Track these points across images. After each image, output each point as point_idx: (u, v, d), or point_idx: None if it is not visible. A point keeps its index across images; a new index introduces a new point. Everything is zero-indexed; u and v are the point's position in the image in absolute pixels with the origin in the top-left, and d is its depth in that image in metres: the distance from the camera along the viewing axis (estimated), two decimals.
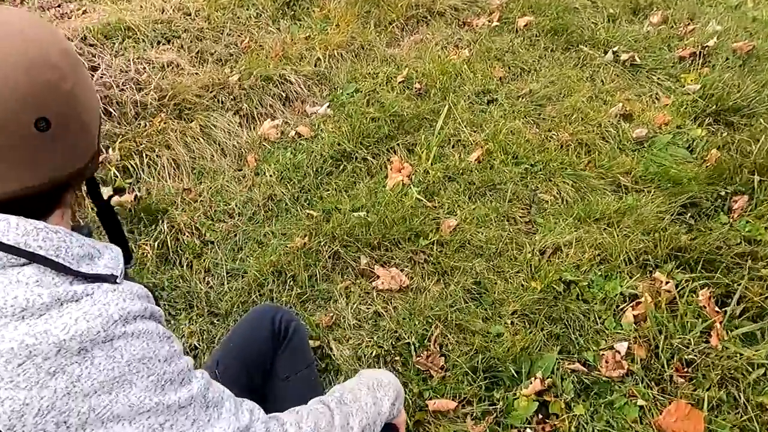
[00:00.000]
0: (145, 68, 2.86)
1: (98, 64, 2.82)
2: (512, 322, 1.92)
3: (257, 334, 1.46)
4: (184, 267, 2.18)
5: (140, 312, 0.72)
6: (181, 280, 2.13)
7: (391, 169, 2.54)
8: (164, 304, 2.05)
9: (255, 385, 1.43)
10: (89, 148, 0.74)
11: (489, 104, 2.92)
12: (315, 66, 3.09)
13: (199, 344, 1.94)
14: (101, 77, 2.75)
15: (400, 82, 3.01)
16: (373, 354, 1.87)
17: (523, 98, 2.92)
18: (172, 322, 2.02)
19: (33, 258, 0.66)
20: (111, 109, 2.69)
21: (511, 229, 2.24)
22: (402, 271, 2.12)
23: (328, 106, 2.89)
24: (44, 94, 0.65)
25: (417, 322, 1.95)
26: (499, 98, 2.92)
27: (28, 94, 0.63)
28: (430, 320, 1.95)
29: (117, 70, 2.79)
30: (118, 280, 0.73)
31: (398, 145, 2.65)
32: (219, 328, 1.99)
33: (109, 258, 0.75)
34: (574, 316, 1.91)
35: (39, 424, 0.62)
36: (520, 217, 2.29)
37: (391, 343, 1.91)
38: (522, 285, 2.03)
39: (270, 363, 1.48)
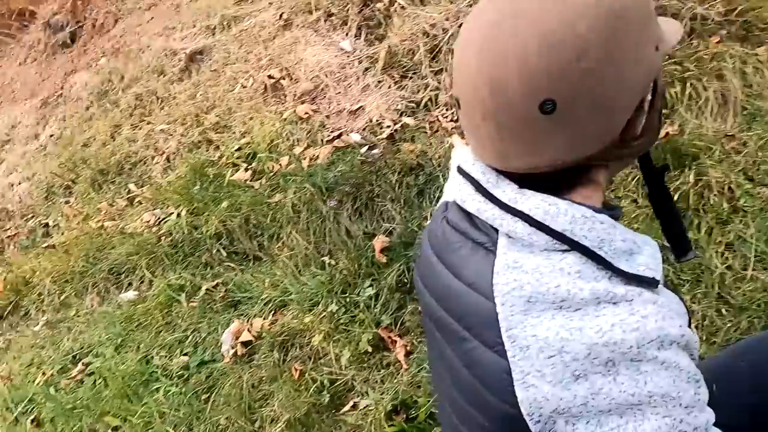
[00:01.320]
0: None
1: None
2: None
3: None
4: (702, 232, 1.88)
5: (677, 338, 0.63)
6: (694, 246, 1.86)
7: None
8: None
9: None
10: (606, 131, 0.65)
11: None
12: None
13: (700, 332, 1.69)
14: None
15: None
16: None
17: None
18: (681, 290, 1.81)
19: (575, 246, 0.65)
20: None
21: None
22: None
23: None
24: (557, 74, 0.59)
25: None
26: None
27: (540, 74, 0.59)
28: None
29: None
30: (658, 288, 0.68)
31: None
32: (726, 320, 1.68)
33: (648, 256, 0.69)
34: None
35: (552, 419, 0.62)
36: None
37: None
38: None
39: None
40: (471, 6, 2.88)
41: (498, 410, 0.67)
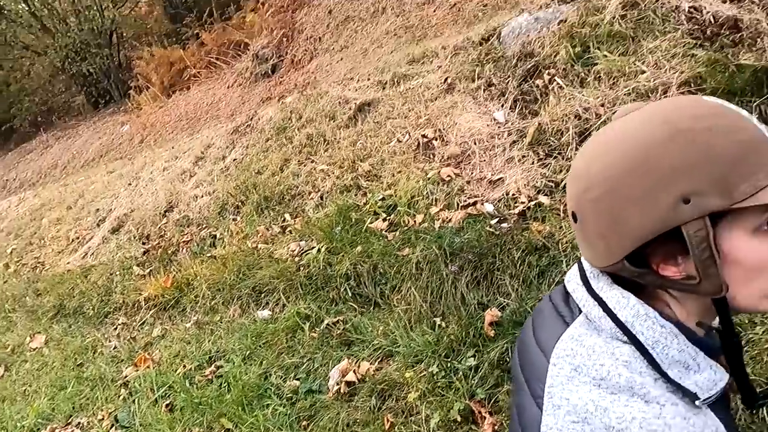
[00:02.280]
0: None
1: None
2: None
3: None
4: None
5: None
6: None
7: None
8: None
9: None
10: (608, 253, 0.73)
11: None
12: None
13: None
14: None
15: None
16: None
17: None
18: None
19: (632, 340, 0.71)
20: None
21: None
22: None
23: None
24: (575, 193, 0.75)
25: None
26: None
27: (572, 191, 0.76)
28: None
29: None
30: (698, 403, 0.70)
31: None
32: None
33: (706, 378, 0.72)
34: None
35: None
36: None
37: None
38: None
39: None
40: (629, 94, 2.85)
41: None
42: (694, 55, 2.76)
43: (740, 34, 2.68)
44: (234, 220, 4.24)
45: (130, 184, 5.98)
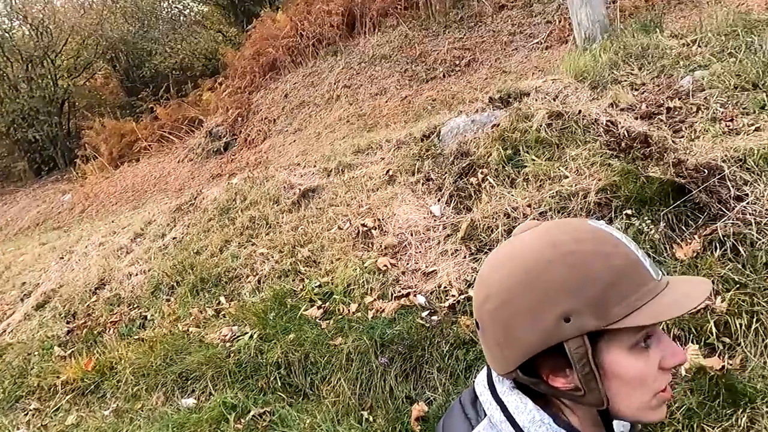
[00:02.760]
0: None
1: (745, 194, 2.53)
2: None
3: None
4: None
5: None
6: None
7: None
8: None
9: None
10: (503, 361, 0.78)
11: None
12: None
13: None
14: (743, 210, 2.46)
15: None
16: None
17: None
18: None
19: None
20: (742, 250, 2.39)
21: None
22: None
23: None
24: (477, 302, 0.80)
25: None
26: None
27: (475, 300, 0.81)
28: None
29: (764, 206, 2.43)
30: None
31: None
32: None
33: None
34: None
35: None
36: None
37: None
38: None
39: None
40: (553, 197, 3.05)
41: None
42: (610, 164, 3.01)
43: (650, 148, 2.96)
44: (167, 300, 4.13)
45: (62, 258, 5.76)
